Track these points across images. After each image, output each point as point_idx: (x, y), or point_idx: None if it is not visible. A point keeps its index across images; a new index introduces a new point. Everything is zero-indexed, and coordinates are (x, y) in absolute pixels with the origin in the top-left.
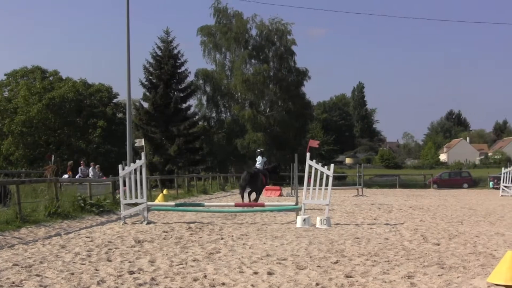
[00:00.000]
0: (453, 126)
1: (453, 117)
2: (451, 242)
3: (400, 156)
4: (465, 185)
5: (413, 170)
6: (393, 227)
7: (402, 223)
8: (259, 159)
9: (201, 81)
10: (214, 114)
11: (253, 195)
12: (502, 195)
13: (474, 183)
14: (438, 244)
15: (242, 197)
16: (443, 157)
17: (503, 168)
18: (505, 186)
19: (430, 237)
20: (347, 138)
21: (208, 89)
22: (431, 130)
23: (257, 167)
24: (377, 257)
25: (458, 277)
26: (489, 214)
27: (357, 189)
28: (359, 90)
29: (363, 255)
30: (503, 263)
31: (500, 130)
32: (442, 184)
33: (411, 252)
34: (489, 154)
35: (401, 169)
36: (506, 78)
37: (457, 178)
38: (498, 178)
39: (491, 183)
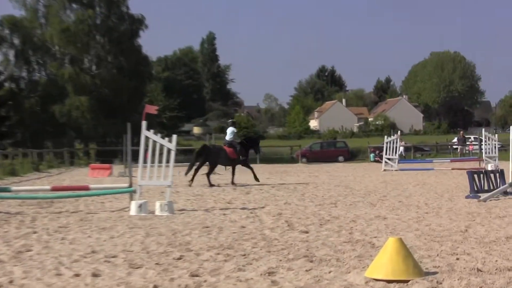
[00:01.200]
0: (325, 85)
1: (326, 74)
2: (322, 229)
3: (261, 124)
4: (341, 158)
5: (277, 140)
6: (251, 212)
7: (263, 207)
8: (229, 129)
9: (7, 31)
10: (24, 74)
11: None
12: (384, 170)
13: (351, 156)
14: (307, 232)
15: (187, 173)
16: (314, 124)
17: (386, 137)
18: (388, 159)
19: (297, 223)
20: (195, 102)
21: (16, 41)
22: (299, 91)
23: (226, 139)
24: (231, 250)
25: (330, 272)
26: (369, 193)
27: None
28: (210, 42)
29: (213, 248)
30: (383, 253)
31: (383, 90)
32: (312, 157)
33: (273, 243)
34: (370, 119)
35: (263, 139)
36: (388, 29)
37: (331, 150)
38: (380, 149)
39: (372, 155)
